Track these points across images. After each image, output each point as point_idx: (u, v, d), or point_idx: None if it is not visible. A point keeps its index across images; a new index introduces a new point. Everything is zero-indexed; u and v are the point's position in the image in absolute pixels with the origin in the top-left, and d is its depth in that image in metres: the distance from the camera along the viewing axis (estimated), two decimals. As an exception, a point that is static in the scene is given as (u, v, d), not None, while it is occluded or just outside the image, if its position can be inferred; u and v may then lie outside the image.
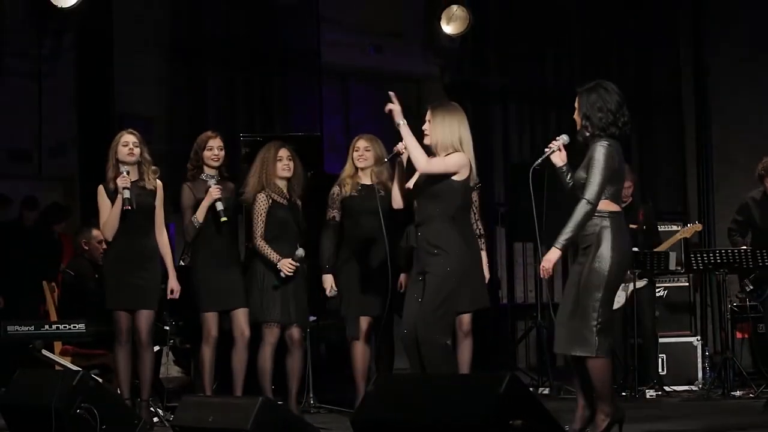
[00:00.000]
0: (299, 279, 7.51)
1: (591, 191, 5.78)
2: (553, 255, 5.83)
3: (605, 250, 5.80)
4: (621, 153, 5.92)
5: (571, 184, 6.00)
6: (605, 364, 5.84)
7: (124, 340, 7.19)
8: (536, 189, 9.44)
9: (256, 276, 7.49)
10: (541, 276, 5.94)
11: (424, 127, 6.50)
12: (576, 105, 5.98)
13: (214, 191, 7.29)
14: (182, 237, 7.81)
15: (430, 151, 6.47)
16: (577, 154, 6.01)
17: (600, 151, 5.82)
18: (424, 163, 6.37)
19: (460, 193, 6.49)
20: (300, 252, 7.40)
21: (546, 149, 6.06)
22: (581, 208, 5.79)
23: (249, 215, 7.59)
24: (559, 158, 6.06)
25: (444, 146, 6.45)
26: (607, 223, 5.83)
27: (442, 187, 6.43)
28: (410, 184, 6.59)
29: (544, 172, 9.41)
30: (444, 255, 6.36)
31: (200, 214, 7.36)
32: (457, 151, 6.43)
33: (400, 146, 6.55)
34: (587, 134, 5.91)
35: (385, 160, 7.06)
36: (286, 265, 7.37)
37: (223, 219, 7.26)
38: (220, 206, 7.27)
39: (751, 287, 9.09)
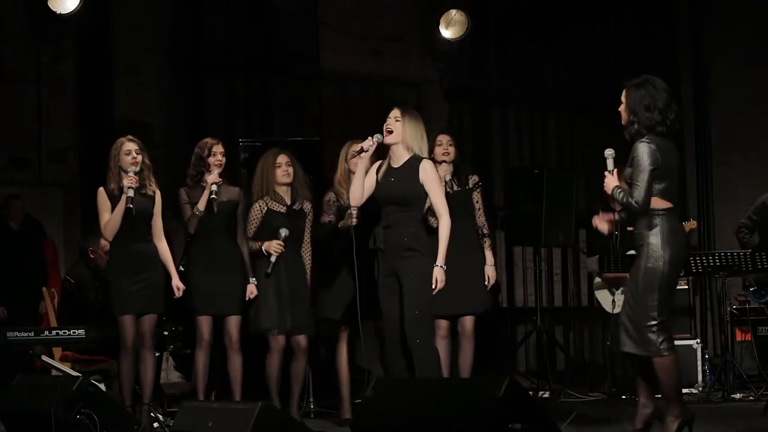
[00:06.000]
0: (299, 286, 7.51)
1: (638, 193, 5.77)
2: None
3: (657, 248, 5.76)
4: (670, 149, 5.86)
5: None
6: (671, 362, 5.78)
7: (129, 347, 7.16)
8: (536, 192, 9.47)
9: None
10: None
11: (390, 126, 6.55)
12: (623, 99, 5.92)
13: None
14: (182, 242, 7.81)
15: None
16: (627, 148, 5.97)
17: (642, 150, 5.77)
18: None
19: (425, 199, 6.64)
20: (284, 231, 7.36)
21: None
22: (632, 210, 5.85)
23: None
24: (604, 225, 6.22)
25: (410, 148, 6.58)
26: (657, 221, 5.79)
27: (416, 194, 6.54)
28: (370, 180, 6.60)
29: (543, 176, 9.51)
30: (420, 256, 6.46)
31: (201, 204, 7.34)
32: (425, 159, 6.60)
33: (367, 143, 6.56)
34: (633, 131, 5.87)
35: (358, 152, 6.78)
36: (273, 246, 7.35)
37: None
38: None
39: (755, 287, 9.09)
